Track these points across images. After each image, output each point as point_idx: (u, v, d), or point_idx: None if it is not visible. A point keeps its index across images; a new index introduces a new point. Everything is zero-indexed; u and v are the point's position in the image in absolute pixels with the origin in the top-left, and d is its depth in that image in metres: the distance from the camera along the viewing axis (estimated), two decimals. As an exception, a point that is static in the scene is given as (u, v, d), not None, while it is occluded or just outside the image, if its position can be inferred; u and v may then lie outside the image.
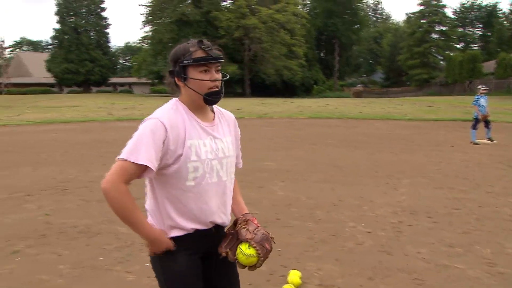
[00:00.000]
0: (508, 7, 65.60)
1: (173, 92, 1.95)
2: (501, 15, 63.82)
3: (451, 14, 65.75)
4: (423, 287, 3.54)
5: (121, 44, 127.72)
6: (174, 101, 1.91)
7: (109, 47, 67.18)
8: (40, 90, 55.68)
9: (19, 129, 16.74)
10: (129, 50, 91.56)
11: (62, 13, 60.57)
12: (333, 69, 60.34)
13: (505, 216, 5.44)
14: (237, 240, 1.94)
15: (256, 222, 1.98)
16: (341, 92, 53.86)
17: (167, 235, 1.87)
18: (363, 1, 71.09)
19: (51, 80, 62.05)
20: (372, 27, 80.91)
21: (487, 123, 12.47)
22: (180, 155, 1.80)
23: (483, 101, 12.47)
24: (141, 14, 79.57)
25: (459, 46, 64.23)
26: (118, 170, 1.73)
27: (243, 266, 1.94)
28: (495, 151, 10.94)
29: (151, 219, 1.92)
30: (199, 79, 1.82)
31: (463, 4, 69.78)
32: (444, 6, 56.69)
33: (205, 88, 1.83)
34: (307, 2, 64.70)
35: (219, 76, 1.87)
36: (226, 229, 2.02)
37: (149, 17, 54.44)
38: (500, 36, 56.51)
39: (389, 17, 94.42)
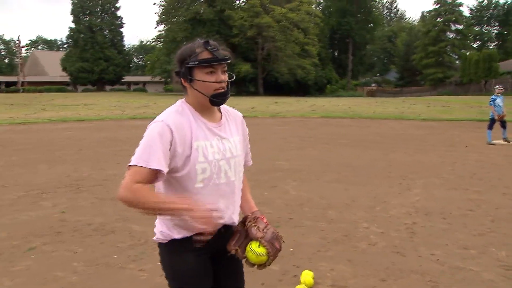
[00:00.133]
0: (526, 5, 64.57)
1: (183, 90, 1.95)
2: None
3: (467, 13, 65.08)
4: (436, 289, 3.52)
5: (135, 42, 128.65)
6: (180, 102, 1.91)
7: (123, 46, 67.77)
8: (55, 89, 56.44)
9: (35, 127, 16.96)
10: (143, 48, 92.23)
11: (77, 12, 61.28)
12: (347, 68, 60.09)
13: (521, 218, 5.37)
14: (246, 238, 1.93)
15: (265, 220, 1.98)
16: (354, 92, 53.61)
17: (177, 234, 1.88)
18: (377, 0, 70.65)
19: (66, 78, 62.82)
20: (387, 26, 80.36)
21: (503, 123, 12.31)
22: (188, 157, 1.80)
23: (499, 101, 12.31)
24: (155, 13, 79.92)
25: (475, 45, 63.49)
26: (131, 176, 1.73)
27: (252, 265, 1.93)
28: (511, 151, 10.79)
29: (159, 220, 1.92)
30: (205, 81, 1.81)
31: (480, 2, 68.92)
32: (460, 5, 56.06)
33: (211, 89, 1.82)
34: (321, 1, 64.55)
35: (225, 77, 1.86)
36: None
37: (163, 16, 54.78)
38: (517, 35, 55.69)
39: (403, 15, 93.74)
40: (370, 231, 4.92)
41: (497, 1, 67.47)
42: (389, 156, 9.97)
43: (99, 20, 62.65)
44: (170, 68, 50.41)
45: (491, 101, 12.44)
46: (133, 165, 1.75)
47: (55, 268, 3.91)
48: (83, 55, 59.85)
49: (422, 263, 4.02)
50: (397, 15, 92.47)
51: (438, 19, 55.18)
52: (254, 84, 54.62)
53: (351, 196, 6.42)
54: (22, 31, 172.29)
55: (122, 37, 66.01)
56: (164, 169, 1.76)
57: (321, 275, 3.78)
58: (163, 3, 54.14)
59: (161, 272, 3.76)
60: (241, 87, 53.52)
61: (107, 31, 63.76)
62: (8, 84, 63.12)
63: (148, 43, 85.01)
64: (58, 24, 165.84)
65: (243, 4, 54.54)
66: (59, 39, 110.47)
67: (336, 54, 64.04)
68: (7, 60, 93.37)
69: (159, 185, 1.90)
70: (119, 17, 65.31)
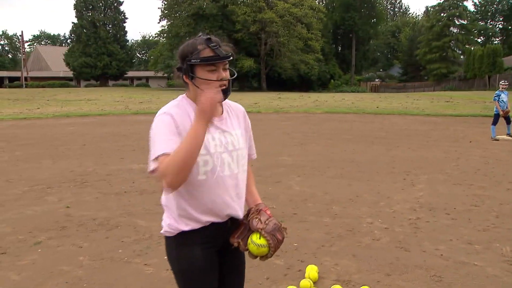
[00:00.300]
0: (530, 0, 64.16)
1: (183, 85, 1.95)
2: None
3: (471, 8, 64.76)
4: (441, 284, 3.52)
5: (138, 38, 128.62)
6: (181, 97, 1.93)
7: (126, 41, 67.64)
8: (58, 84, 56.45)
9: (38, 122, 17.01)
10: (145, 44, 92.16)
11: (80, 7, 61.19)
12: (350, 63, 59.95)
13: (526, 214, 5.36)
14: (249, 230, 1.94)
15: (268, 212, 1.99)
16: (358, 87, 53.52)
17: (184, 227, 1.88)
18: (381, -5, 70.33)
19: (69, 74, 62.85)
20: (390, 21, 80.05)
21: (507, 119, 12.27)
22: None
23: (503, 96, 12.26)
24: (158, 8, 79.83)
25: (479, 40, 63.17)
26: (158, 163, 1.72)
27: (254, 256, 1.94)
28: (515, 147, 10.77)
29: (166, 214, 1.93)
30: (206, 79, 1.82)
31: (484, -3, 68.56)
32: (465, -1, 55.80)
33: (212, 87, 1.82)
34: (324, -5, 64.29)
35: (226, 74, 1.87)
36: None
37: (166, 11, 54.66)
38: (522, 29, 55.38)
39: (407, 10, 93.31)
40: (374, 226, 4.92)
41: (501, -4, 67.12)
42: (392, 152, 9.97)
43: (102, 15, 62.53)
44: (173, 63, 50.41)
45: (495, 96, 12.39)
46: (155, 158, 1.74)
47: (61, 262, 3.94)
48: (86, 50, 59.83)
49: (427, 258, 4.03)
50: (401, 10, 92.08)
51: (442, 14, 54.90)
52: (257, 80, 54.54)
53: (354, 192, 6.43)
54: (25, 27, 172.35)
55: (125, 32, 65.85)
56: None
57: (326, 270, 3.79)
58: (166, -2, 54.06)
59: (166, 267, 3.79)
60: (244, 82, 53.49)
61: (110, 26, 63.62)
62: (11, 80, 63.22)
63: (151, 38, 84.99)
64: (61, 19, 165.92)
65: (246, -1, 54.40)
66: (62, 34, 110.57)
67: (340, 49, 63.84)
68: (10, 56, 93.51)
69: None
70: (122, 12, 65.16)
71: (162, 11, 55.06)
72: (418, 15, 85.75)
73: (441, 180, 7.15)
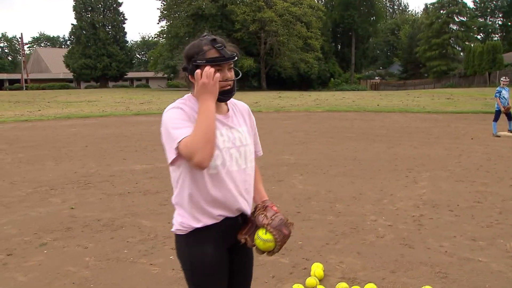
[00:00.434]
0: (530, -4, 64.06)
1: (189, 86, 1.98)
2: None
3: (470, 4, 64.69)
4: (446, 280, 3.54)
5: (138, 38, 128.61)
6: (186, 97, 1.96)
7: (126, 42, 67.69)
8: (58, 86, 56.51)
9: (40, 124, 17.03)
10: (145, 44, 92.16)
11: (80, 9, 61.22)
12: (350, 61, 59.94)
13: (529, 210, 5.38)
14: (256, 226, 1.97)
15: (275, 208, 2.01)
16: (358, 85, 53.49)
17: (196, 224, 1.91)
18: (380, -8, 70.23)
19: (69, 75, 62.92)
20: (390, 19, 80.00)
21: (509, 115, 12.27)
22: None
23: (504, 93, 12.26)
24: (157, 9, 79.86)
25: (479, 36, 63.13)
26: (182, 149, 1.75)
27: (262, 252, 1.96)
28: (517, 143, 10.78)
29: (178, 212, 1.95)
30: None
31: (483, -7, 68.49)
32: (464, -4, 55.69)
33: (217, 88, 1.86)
34: (324, -6, 64.25)
35: (231, 75, 1.91)
36: None
37: (165, 12, 54.67)
38: (522, 26, 55.34)
39: (406, 8, 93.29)
40: (378, 223, 4.94)
41: (501, -8, 67.08)
42: (394, 149, 9.98)
43: (101, 16, 62.56)
44: (173, 64, 50.48)
45: (496, 93, 12.39)
46: (177, 145, 1.77)
47: (67, 263, 3.96)
48: (86, 51, 59.88)
49: (431, 255, 4.04)
50: (400, 8, 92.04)
51: (441, 11, 54.85)
52: (257, 79, 54.55)
53: (357, 190, 6.44)
54: (24, 29, 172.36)
55: (125, 33, 65.90)
56: None
57: (331, 267, 3.81)
58: (165, -1, 54.07)
59: (172, 266, 3.82)
60: (244, 82, 53.46)
61: (110, 27, 63.64)
62: (12, 82, 63.30)
63: (150, 39, 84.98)
64: (60, 21, 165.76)
65: (245, -2, 54.39)
66: (61, 36, 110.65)
67: (339, 47, 63.82)
68: (10, 58, 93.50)
69: (176, 174, 1.92)
70: (121, 13, 65.19)
71: (161, 12, 55.10)
72: (418, 13, 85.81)
73: (444, 177, 7.17)
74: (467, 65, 49.01)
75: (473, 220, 5.00)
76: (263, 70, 52.21)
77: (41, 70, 70.19)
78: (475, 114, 18.72)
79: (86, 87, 59.62)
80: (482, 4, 68.97)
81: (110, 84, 63.63)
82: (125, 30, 65.62)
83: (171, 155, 1.81)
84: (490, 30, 68.84)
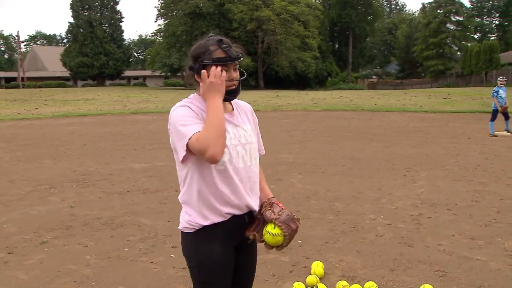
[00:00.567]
0: (526, -4, 64.25)
1: (191, 84, 2.02)
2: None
3: (467, 4, 64.86)
4: (445, 278, 3.57)
5: (135, 37, 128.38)
6: (192, 96, 1.99)
7: (123, 40, 67.51)
8: (55, 84, 56.35)
9: (37, 123, 16.99)
10: (142, 43, 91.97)
11: (77, 7, 61.01)
12: (347, 60, 59.93)
13: (526, 209, 5.42)
14: (264, 223, 2.00)
15: (281, 205, 2.05)
16: (355, 84, 53.50)
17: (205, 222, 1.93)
18: (377, -8, 70.25)
19: (65, 73, 62.73)
20: (387, 18, 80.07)
21: (506, 115, 12.33)
22: None
23: (502, 92, 12.33)
24: (154, 7, 79.71)
25: (476, 36, 63.27)
26: (194, 144, 1.78)
27: (271, 247, 1.99)
28: (513, 143, 10.84)
29: (186, 209, 1.97)
30: None
31: (480, -7, 68.65)
32: (461, -4, 55.78)
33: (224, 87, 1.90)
34: (321, -7, 64.24)
35: (237, 75, 1.96)
36: None
37: (163, 10, 54.53)
38: (518, 25, 55.51)
39: (404, 7, 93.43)
40: (377, 222, 4.97)
41: (497, -8, 67.26)
42: (392, 149, 10.02)
43: (98, 14, 62.35)
44: (170, 62, 50.42)
45: (494, 92, 12.45)
46: (188, 140, 1.80)
47: (68, 261, 3.97)
48: (83, 50, 59.69)
49: (430, 253, 4.08)
50: (397, 7, 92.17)
51: (438, 11, 54.89)
52: (255, 78, 54.47)
53: (356, 189, 6.47)
54: (21, 27, 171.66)
55: (122, 31, 65.70)
56: None
57: (331, 266, 3.83)
58: (162, -3, 53.95)
59: (173, 264, 3.84)
60: (242, 80, 53.38)
61: (107, 25, 63.44)
62: (8, 80, 63.03)
63: (147, 37, 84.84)
64: (57, 19, 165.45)
65: (243, -3, 54.33)
66: (58, 34, 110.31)
67: (337, 46, 63.81)
68: (6, 56, 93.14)
69: (183, 172, 1.95)
70: (119, 11, 64.99)
71: (158, 10, 54.94)
72: (415, 12, 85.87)
73: (442, 176, 7.21)
74: (464, 65, 49.16)
75: (471, 219, 5.04)
76: (260, 69, 52.17)
77: (37, 68, 69.96)
78: (472, 114, 18.80)
79: (83, 86, 59.46)
80: (479, 4, 69.14)
81: (107, 82, 63.47)
82: (122, 29, 65.47)
83: (181, 152, 1.83)
84: (486, 29, 69.03)
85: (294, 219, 2.00)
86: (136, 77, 72.99)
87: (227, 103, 2.01)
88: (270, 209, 2.00)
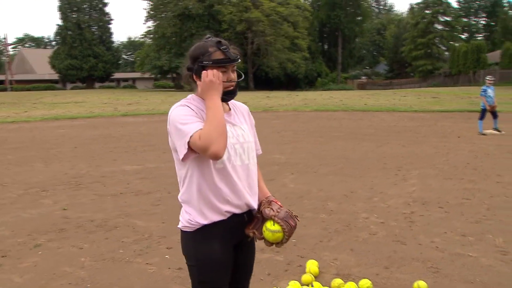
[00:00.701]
0: (512, -4, 65.06)
1: (189, 84, 2.05)
2: (505, 5, 63.43)
3: (455, 4, 65.52)
4: (438, 275, 3.62)
5: (124, 39, 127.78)
6: (190, 96, 2.02)
7: (112, 42, 67.16)
8: (43, 87, 55.85)
9: (27, 126, 16.86)
10: (131, 45, 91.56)
11: (65, 9, 60.60)
12: (336, 61, 60.19)
13: (516, 206, 5.50)
14: (263, 220, 2.03)
15: (279, 203, 2.09)
16: (344, 85, 53.76)
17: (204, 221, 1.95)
18: (366, -7, 70.65)
19: (54, 76, 62.25)
20: (375, 19, 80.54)
21: (494, 113, 12.49)
22: None
23: (490, 91, 12.48)
24: (143, 9, 79.39)
25: (463, 36, 63.90)
26: (196, 142, 1.80)
27: (270, 244, 2.02)
28: (502, 141, 10.98)
29: (186, 208, 1.99)
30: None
31: (467, -7, 69.34)
32: (448, -4, 56.34)
33: (222, 87, 1.94)
34: (310, -6, 64.47)
35: (235, 76, 2.00)
36: None
37: (152, 12, 54.37)
38: (505, 25, 56.13)
39: (392, 8, 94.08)
40: (370, 221, 5.01)
41: (484, -8, 68.01)
42: (383, 148, 10.10)
43: (87, 16, 61.98)
44: (160, 64, 50.25)
45: (482, 91, 12.60)
46: (189, 138, 1.82)
47: (63, 264, 3.96)
48: (72, 52, 59.29)
49: (423, 250, 4.13)
50: (386, 8, 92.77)
51: (426, 11, 55.42)
52: (245, 79, 54.50)
53: (348, 188, 6.52)
54: (8, 29, 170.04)
55: (111, 33, 65.40)
56: None
57: (325, 264, 3.87)
58: (151, -1, 53.80)
59: (168, 265, 3.85)
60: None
61: (96, 27, 63.08)
62: (-4, 83, 62.45)
63: (137, 39, 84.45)
64: (45, 21, 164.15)
65: (232, -2, 54.37)
66: (46, 36, 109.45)
67: (326, 47, 64.05)
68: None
69: (182, 171, 1.97)
70: (107, 13, 64.67)
71: (148, 12, 54.76)
72: (403, 13, 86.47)
73: (432, 175, 7.29)
74: (452, 65, 49.71)
75: (462, 217, 5.11)
76: (250, 70, 52.19)
77: (26, 71, 69.30)
78: (460, 113, 18.99)
79: (72, 88, 59.04)
80: (466, 4, 69.83)
81: (97, 85, 63.12)
82: (111, 31, 65.14)
83: (182, 150, 1.85)
84: (474, 30, 69.73)
85: (292, 216, 2.04)
86: (125, 79, 72.65)
87: (224, 103, 2.04)
88: (268, 207, 2.03)
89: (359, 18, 62.60)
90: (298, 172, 7.72)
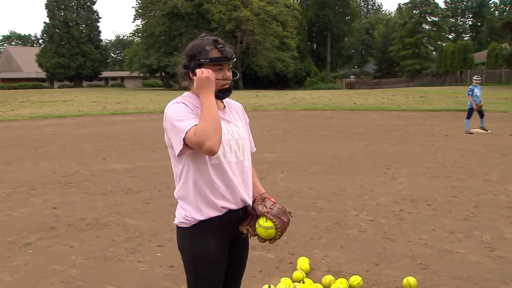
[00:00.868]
0: (499, -3, 65.83)
1: (184, 81, 2.08)
2: (491, 5, 64.17)
3: (442, 5, 66.09)
4: (427, 271, 3.67)
5: (112, 37, 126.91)
6: (186, 94, 2.05)
7: (100, 40, 66.64)
8: (30, 85, 55.26)
9: (15, 124, 16.70)
10: (119, 43, 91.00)
11: (52, 6, 59.95)
12: (325, 60, 60.45)
13: (502, 203, 5.59)
14: (256, 217, 2.06)
15: (273, 199, 2.11)
16: (333, 84, 54.04)
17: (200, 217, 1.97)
18: (354, -8, 71.02)
19: (41, 74, 61.61)
20: (364, 18, 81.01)
21: (481, 113, 12.64)
22: None
23: (477, 91, 12.63)
24: (132, 7, 78.92)
25: (451, 36, 64.56)
26: (191, 137, 1.82)
27: (264, 240, 2.05)
28: (489, 140, 11.12)
29: (182, 204, 2.01)
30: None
31: (454, -6, 70.03)
32: (435, -3, 56.85)
33: (218, 85, 1.99)
34: (299, -7, 64.62)
35: (230, 74, 2.04)
36: None
37: (140, 10, 54.14)
38: (491, 26, 56.89)
39: (380, 8, 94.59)
40: (359, 218, 5.07)
41: (471, -7, 68.73)
42: (372, 147, 10.18)
43: (74, 15, 61.40)
44: (148, 63, 50.02)
45: (469, 91, 12.74)
46: (185, 135, 1.84)
47: (54, 262, 3.95)
48: (59, 50, 58.72)
49: (412, 247, 4.19)
50: (374, 7, 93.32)
51: (414, 11, 55.91)
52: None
53: (338, 186, 6.57)
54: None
55: (99, 32, 64.86)
56: None
57: (316, 261, 3.90)
58: (140, -3, 53.51)
59: (160, 263, 3.86)
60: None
61: (83, 26, 62.52)
62: (-19, 81, 61.63)
63: (125, 37, 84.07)
64: (32, 19, 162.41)
65: (221, -3, 54.27)
66: (33, 34, 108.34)
67: (315, 46, 64.29)
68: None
69: (178, 168, 1.99)
70: (95, 11, 64.13)
71: (136, 10, 54.59)
72: (391, 12, 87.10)
73: (421, 173, 7.37)
74: (440, 64, 50.20)
75: (450, 214, 5.18)
76: (239, 69, 52.13)
77: (12, 69, 68.53)
78: (448, 112, 19.20)
79: (59, 87, 58.45)
80: (453, 5, 70.53)
81: (85, 83, 62.59)
82: (99, 29, 64.60)
83: (178, 146, 1.87)
84: (461, 30, 70.47)
85: (286, 212, 2.07)
86: (114, 78, 72.20)
87: (219, 101, 2.07)
88: (262, 204, 2.06)
89: (347, 18, 62.97)
90: (288, 170, 7.75)
